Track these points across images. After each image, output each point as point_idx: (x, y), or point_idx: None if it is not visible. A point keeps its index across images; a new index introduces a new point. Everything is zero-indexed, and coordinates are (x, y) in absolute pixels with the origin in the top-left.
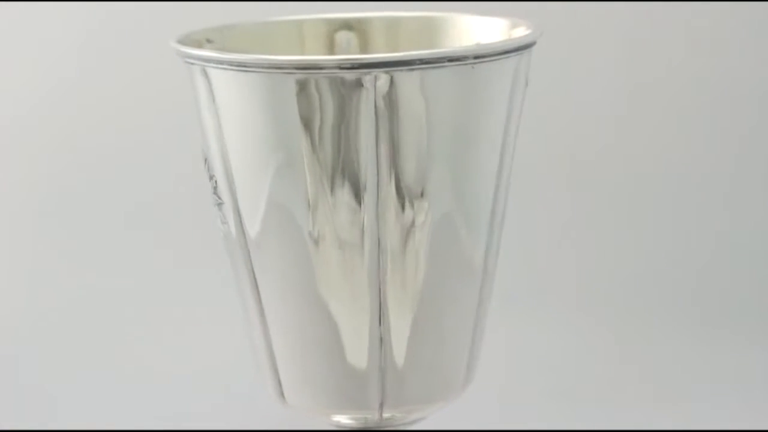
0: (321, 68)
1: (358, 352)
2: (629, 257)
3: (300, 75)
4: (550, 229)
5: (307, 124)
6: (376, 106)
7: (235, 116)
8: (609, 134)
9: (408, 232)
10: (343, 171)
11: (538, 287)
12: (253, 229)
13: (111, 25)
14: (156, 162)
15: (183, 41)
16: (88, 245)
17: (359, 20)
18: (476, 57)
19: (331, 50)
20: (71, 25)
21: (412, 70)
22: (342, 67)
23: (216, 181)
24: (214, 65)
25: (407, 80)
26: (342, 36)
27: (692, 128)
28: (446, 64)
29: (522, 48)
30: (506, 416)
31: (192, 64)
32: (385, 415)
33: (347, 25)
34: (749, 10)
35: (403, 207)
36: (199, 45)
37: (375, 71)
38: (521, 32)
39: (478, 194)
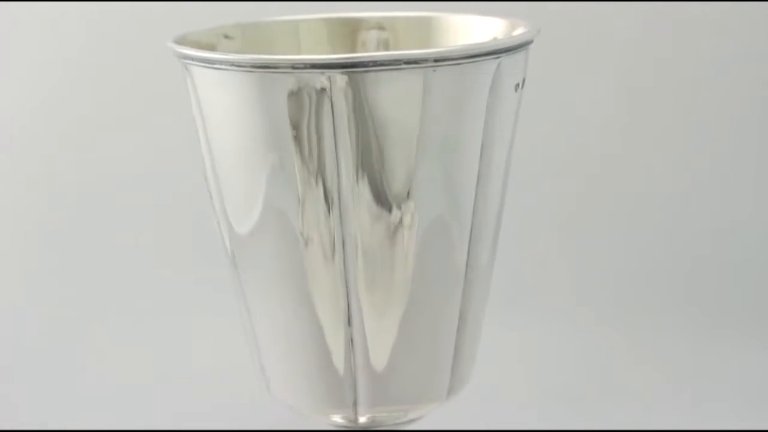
0: (276, 67)
1: (334, 352)
2: (629, 257)
3: (258, 74)
4: (550, 229)
5: (281, 122)
6: (333, 107)
7: (213, 112)
8: (611, 133)
9: (382, 233)
10: (314, 171)
11: (538, 287)
12: (235, 220)
13: (112, 25)
14: (155, 161)
15: (200, 36)
16: (88, 245)
17: (390, 20)
18: (436, 60)
19: (354, 49)
20: (72, 25)
21: (367, 71)
22: (295, 67)
23: (206, 174)
24: (191, 62)
25: (365, 82)
26: (372, 35)
27: (692, 128)
28: (403, 66)
29: (496, 52)
30: (506, 416)
31: (180, 60)
32: (362, 415)
33: (378, 24)
34: (749, 10)
35: (375, 209)
36: (215, 41)
37: (328, 72)
38: (517, 33)
39: (455, 197)
